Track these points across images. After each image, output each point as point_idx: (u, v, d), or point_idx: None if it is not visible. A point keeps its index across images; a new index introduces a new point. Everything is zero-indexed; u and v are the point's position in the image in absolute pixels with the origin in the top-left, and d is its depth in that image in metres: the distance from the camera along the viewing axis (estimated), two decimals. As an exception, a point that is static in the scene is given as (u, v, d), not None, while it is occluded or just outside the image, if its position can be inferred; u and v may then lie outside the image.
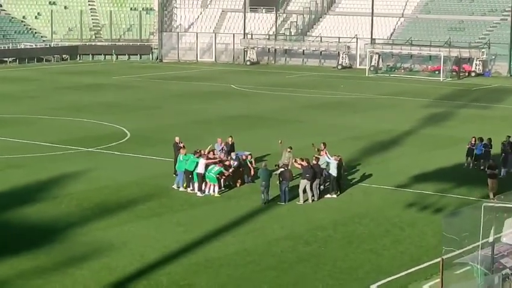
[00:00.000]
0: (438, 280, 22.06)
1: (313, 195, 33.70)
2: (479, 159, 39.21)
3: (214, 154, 36.15)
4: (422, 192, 35.11)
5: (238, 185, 35.85)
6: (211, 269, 25.70)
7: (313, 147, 36.78)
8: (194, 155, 35.12)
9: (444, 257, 22.18)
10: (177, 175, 35.71)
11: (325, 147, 35.82)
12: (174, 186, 35.41)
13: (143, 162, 40.94)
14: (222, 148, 37.51)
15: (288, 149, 36.64)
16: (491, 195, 33.40)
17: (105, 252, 27.07)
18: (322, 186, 34.45)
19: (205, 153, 35.70)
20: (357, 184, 36.74)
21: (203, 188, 34.51)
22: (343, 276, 25.23)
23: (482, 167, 38.17)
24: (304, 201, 33.33)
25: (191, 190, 34.79)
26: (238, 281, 24.70)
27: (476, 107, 60.98)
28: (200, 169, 34.39)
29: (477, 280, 21.92)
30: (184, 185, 35.15)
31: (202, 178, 34.42)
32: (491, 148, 39.22)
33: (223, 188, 35.07)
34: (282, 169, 34.01)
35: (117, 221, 30.77)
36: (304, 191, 33.42)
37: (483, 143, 39.40)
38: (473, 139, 39.94)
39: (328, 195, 34.30)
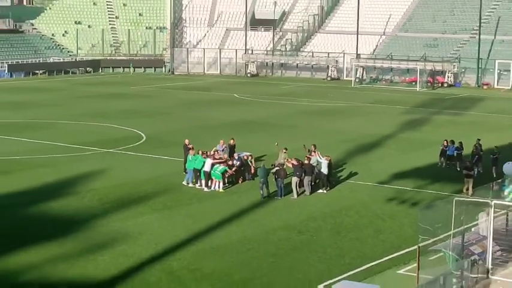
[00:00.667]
0: (415, 265, 22.03)
1: (304, 190, 33.73)
2: (452, 160, 39.21)
3: (219, 154, 36.21)
4: (401, 188, 35.07)
5: (240, 181, 35.82)
6: (217, 255, 25.67)
7: (304, 148, 36.79)
8: (201, 155, 35.13)
9: (420, 244, 22.16)
10: (186, 173, 35.67)
11: (315, 148, 35.81)
12: (184, 183, 35.37)
13: (157, 161, 40.90)
14: (223, 149, 37.50)
15: (284, 150, 36.63)
16: (464, 190, 33.30)
17: (123, 241, 27.04)
18: (313, 183, 34.45)
19: (211, 154, 35.76)
20: (344, 181, 36.69)
21: (209, 184, 34.50)
22: (332, 261, 25.20)
23: (458, 168, 37.98)
24: (297, 196, 33.33)
25: (199, 186, 34.77)
26: (240, 266, 24.67)
27: (448, 113, 60.94)
28: (207, 168, 34.38)
29: (449, 265, 21.90)
30: (193, 182, 35.13)
31: (208, 175, 34.41)
32: (462, 150, 39.21)
33: (227, 184, 35.04)
34: (278, 168, 34.01)
35: (134, 213, 30.74)
36: (297, 186, 33.51)
37: (455, 146, 39.38)
38: (446, 142, 39.96)
39: (320, 191, 34.27)
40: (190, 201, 32.82)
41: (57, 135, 48.23)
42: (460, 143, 39.57)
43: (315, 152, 35.51)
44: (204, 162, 34.51)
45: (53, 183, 35.72)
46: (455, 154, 39.12)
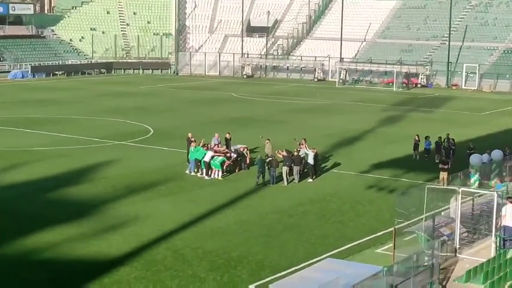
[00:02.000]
0: (391, 245, 22.08)
1: (294, 179, 33.74)
2: (428, 153, 39.19)
3: (219, 147, 36.24)
4: (379, 177, 35.11)
5: (237, 171, 35.84)
6: (216, 235, 25.67)
7: (295, 141, 36.79)
8: (202, 147, 35.12)
9: (396, 227, 22.20)
10: (189, 163, 35.66)
11: (305, 142, 35.82)
12: (187, 172, 35.36)
13: (163, 152, 40.86)
14: (219, 142, 37.34)
15: (267, 141, 36.63)
16: (440, 182, 33.05)
17: (133, 222, 27.04)
18: (302, 172, 34.45)
19: (212, 146, 35.81)
20: (329, 171, 36.72)
21: (209, 173, 34.49)
22: (318, 241, 25.23)
23: (437, 161, 37.83)
24: (287, 184, 33.33)
25: (200, 175, 34.76)
26: (236, 245, 24.69)
27: (421, 111, 60.97)
28: (207, 158, 34.39)
29: (421, 245, 21.96)
30: (195, 171, 35.11)
31: (208, 165, 34.40)
32: (442, 144, 38.84)
33: (225, 173, 35.04)
34: (270, 158, 34.05)
35: (143, 198, 30.73)
36: (287, 175, 33.53)
37: (435, 140, 39.18)
38: (417, 136, 40.00)
39: (309, 179, 34.28)
40: (192, 188, 32.82)
41: (75, 129, 48.12)
42: (440, 137, 39.49)
43: (303, 144, 35.52)
44: (205, 153, 34.52)
45: (72, 171, 35.67)
46: (431, 148, 39.11)
